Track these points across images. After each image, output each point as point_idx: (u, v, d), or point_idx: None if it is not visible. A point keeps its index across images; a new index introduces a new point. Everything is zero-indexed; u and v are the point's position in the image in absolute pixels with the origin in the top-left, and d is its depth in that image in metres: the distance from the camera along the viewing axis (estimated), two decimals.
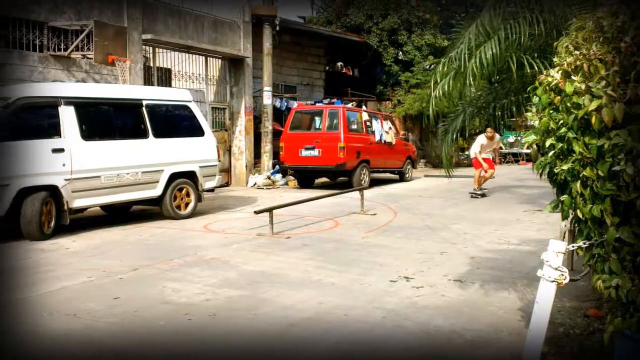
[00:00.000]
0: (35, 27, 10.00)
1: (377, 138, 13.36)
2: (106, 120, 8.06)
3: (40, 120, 7.25)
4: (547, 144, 2.92)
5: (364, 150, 12.68)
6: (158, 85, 12.37)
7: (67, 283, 4.77)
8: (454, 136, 5.33)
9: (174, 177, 8.34)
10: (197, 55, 13.53)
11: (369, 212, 8.67)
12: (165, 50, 12.99)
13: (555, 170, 2.93)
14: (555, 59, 3.06)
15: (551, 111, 2.91)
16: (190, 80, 13.51)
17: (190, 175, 8.63)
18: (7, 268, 5.40)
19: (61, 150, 7.06)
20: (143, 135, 8.14)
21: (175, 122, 8.93)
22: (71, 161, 7.12)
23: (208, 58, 13.79)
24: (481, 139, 11.17)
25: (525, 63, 4.02)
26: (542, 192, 10.61)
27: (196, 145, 8.86)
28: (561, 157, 2.88)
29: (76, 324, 3.76)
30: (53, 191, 6.90)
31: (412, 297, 4.36)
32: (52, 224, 6.88)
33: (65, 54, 10.31)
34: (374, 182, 13.14)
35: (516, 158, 22.21)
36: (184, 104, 9.02)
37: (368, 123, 13.23)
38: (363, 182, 12.21)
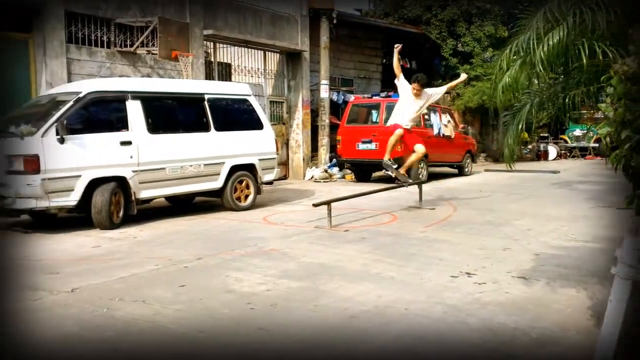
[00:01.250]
0: (103, 24, 10.43)
1: (436, 131, 13.15)
2: (170, 114, 8.34)
3: (109, 114, 7.57)
4: (623, 136, 2.78)
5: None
6: (218, 79, 12.65)
7: (136, 270, 4.98)
8: (518, 129, 5.16)
9: (234, 169, 8.52)
10: (256, 50, 13.73)
11: (428, 207, 8.56)
12: (225, 45, 13.25)
13: (631, 163, 2.79)
14: (630, 47, 2.91)
15: (627, 102, 2.77)
16: (249, 74, 13.73)
17: (250, 168, 8.80)
18: (80, 255, 5.69)
19: (129, 143, 7.35)
20: (205, 128, 8.36)
21: (235, 116, 9.11)
22: (138, 154, 7.40)
23: (266, 52, 13.97)
24: (405, 94, 8.21)
25: (598, 51, 3.84)
26: (609, 188, 10.14)
27: (255, 139, 9.01)
28: (637, 149, 2.75)
29: (145, 310, 3.92)
30: (121, 182, 7.21)
31: (474, 293, 4.27)
32: (121, 213, 7.19)
33: (131, 50, 10.69)
34: (432, 176, 12.95)
35: (583, 152, 21.30)
36: (243, 97, 9.18)
37: (426, 116, 13.03)
38: (421, 176, 12.05)
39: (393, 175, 8.22)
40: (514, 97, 5.05)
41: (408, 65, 20.63)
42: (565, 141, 22.03)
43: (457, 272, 4.86)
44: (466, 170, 14.53)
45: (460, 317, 3.76)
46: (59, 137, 6.68)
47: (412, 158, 8.10)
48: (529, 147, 20.12)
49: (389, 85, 18.10)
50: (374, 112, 13.28)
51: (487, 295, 4.22)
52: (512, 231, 6.70)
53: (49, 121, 6.78)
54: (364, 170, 13.26)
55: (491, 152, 19.57)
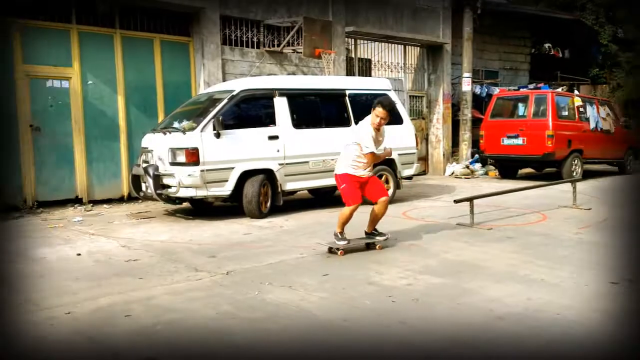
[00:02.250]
0: (254, 26, 11.07)
1: (592, 125, 12.08)
2: (313, 110, 8.63)
3: (258, 110, 8.04)
4: None
5: (576, 139, 11.57)
6: (359, 75, 12.82)
7: (283, 257, 5.25)
8: None
9: (374, 164, 8.57)
10: (396, 44, 13.67)
11: (582, 207, 7.90)
12: (365, 41, 13.38)
13: None
14: None
15: None
16: (389, 69, 13.73)
17: (389, 163, 8.80)
18: (233, 241, 6.13)
19: (276, 137, 7.75)
20: (346, 123, 8.52)
21: None
22: (284, 148, 7.78)
23: (406, 46, 13.86)
24: (365, 130, 5.52)
25: None
26: None
27: (395, 133, 8.96)
28: None
29: (292, 295, 4.11)
30: (269, 174, 7.63)
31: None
32: (268, 204, 7.62)
33: (278, 50, 11.23)
34: (588, 174, 11.91)
35: None
36: (383, 92, 9.18)
37: (581, 109, 12.01)
38: (575, 174, 11.17)
39: (340, 247, 5.48)
40: None
41: (560, 55, 19.19)
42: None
43: (617, 279, 4.43)
44: (628, 168, 13.17)
45: (622, 329, 3.43)
46: (215, 132, 7.25)
47: (378, 210, 5.68)
48: None
49: (537, 76, 17.01)
50: (520, 105, 12.53)
51: None
52: None
53: (207, 117, 7.37)
54: (509, 167, 12.60)
55: None
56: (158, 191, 7.22)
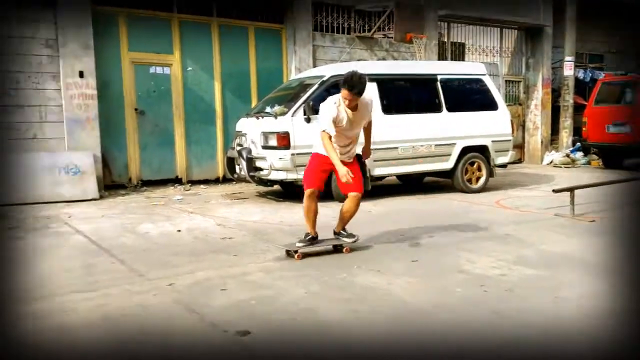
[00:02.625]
0: (344, 12, 11.07)
1: None
2: (403, 95, 8.52)
3: None
4: None
5: None
6: (451, 60, 12.47)
7: (371, 243, 5.26)
8: None
9: (465, 150, 8.36)
10: (492, 28, 13.13)
11: None
12: (459, 25, 12.95)
13: None
14: None
15: None
16: (484, 53, 13.23)
17: (482, 150, 8.52)
18: (323, 223, 6.22)
19: None
20: (437, 109, 8.34)
21: (468, 96, 8.89)
22: (373, 133, 7.71)
23: (503, 30, 13.27)
24: (325, 108, 4.75)
25: None
26: None
27: (489, 120, 8.67)
28: None
29: (380, 279, 4.12)
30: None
31: None
32: None
33: (368, 35, 11.17)
34: None
35: None
36: (477, 77, 8.90)
37: None
38: None
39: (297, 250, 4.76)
40: None
41: None
42: None
43: None
44: None
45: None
46: (306, 116, 7.36)
47: (347, 207, 4.89)
48: None
49: None
50: (628, 91, 11.64)
51: None
52: None
53: (297, 102, 7.50)
54: (614, 156, 11.77)
55: None
56: (251, 173, 7.47)
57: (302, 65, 10.55)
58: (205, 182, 9.84)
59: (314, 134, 7.33)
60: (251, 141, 7.67)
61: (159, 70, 9.56)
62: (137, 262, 4.63)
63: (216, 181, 10.00)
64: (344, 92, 4.52)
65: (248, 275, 4.23)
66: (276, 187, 8.34)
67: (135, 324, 3.29)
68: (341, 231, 5.03)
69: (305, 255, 4.74)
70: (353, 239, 4.98)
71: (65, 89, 8.41)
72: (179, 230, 5.88)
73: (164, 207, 7.36)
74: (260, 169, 7.45)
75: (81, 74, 8.50)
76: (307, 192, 4.71)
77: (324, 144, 4.63)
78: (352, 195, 4.80)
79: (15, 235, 5.72)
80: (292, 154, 7.27)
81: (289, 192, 8.33)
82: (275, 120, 7.47)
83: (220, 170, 10.08)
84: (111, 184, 8.98)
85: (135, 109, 9.28)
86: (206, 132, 10.02)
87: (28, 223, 6.36)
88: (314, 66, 10.44)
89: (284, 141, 7.29)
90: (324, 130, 4.64)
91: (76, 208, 7.33)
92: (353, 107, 4.64)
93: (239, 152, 7.69)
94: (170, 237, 5.59)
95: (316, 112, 7.51)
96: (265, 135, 7.47)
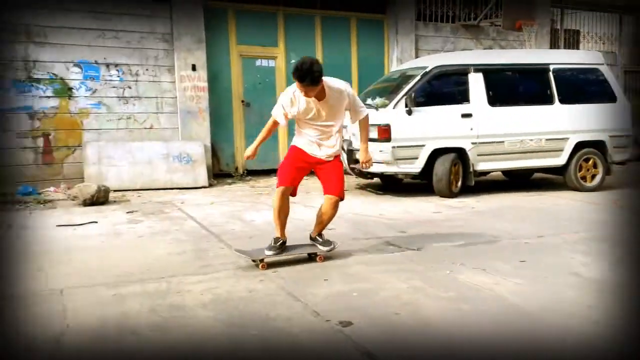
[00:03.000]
0: (449, 0, 10.76)
1: None
2: (511, 86, 8.15)
3: (451, 87, 7.84)
4: None
5: None
6: (565, 48, 11.73)
7: (474, 240, 5.11)
8: None
9: (579, 146, 7.86)
10: (610, 14, 12.16)
11: None
12: (573, 11, 12.14)
13: None
14: None
15: None
16: (601, 41, 12.32)
17: (599, 145, 7.96)
18: (422, 218, 6.14)
19: (469, 115, 7.50)
20: (548, 101, 7.90)
21: (583, 87, 8.33)
22: (478, 126, 7.49)
23: (622, 16, 12.24)
24: (283, 94, 4.31)
25: None
26: None
27: (606, 113, 8.07)
28: None
29: (485, 279, 3.99)
30: (460, 153, 7.44)
31: None
32: (459, 184, 7.46)
33: (474, 23, 10.79)
34: None
35: None
36: (593, 67, 8.31)
37: None
38: None
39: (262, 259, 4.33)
40: None
41: None
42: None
43: None
44: None
45: None
46: (407, 108, 7.28)
47: (325, 210, 4.44)
48: None
49: None
50: None
51: None
52: None
53: (399, 94, 7.43)
54: None
55: None
56: (351, 166, 7.51)
57: (404, 55, 10.42)
58: None
59: (416, 127, 7.32)
60: (352, 133, 7.71)
61: (264, 62, 9.87)
62: (245, 248, 4.84)
63: None
64: (297, 84, 4.00)
65: (348, 267, 4.28)
66: (376, 179, 8.32)
67: (242, 308, 3.45)
68: (317, 237, 4.53)
69: (272, 264, 4.27)
70: (329, 247, 4.47)
71: (179, 81, 8.94)
72: None
73: (268, 197, 7.61)
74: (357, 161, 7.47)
75: (194, 67, 8.99)
76: (277, 189, 4.24)
77: (326, 134, 4.24)
78: (329, 198, 4.31)
79: (135, 219, 6.19)
80: (393, 147, 7.23)
81: (389, 185, 8.30)
82: (376, 112, 7.44)
83: None
84: (219, 172, 9.45)
85: (242, 101, 9.66)
86: None
87: (146, 208, 6.86)
88: (416, 57, 10.28)
89: (385, 134, 7.26)
90: (274, 119, 4.31)
91: (188, 195, 7.80)
92: (320, 97, 4.09)
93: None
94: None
95: (418, 104, 7.44)
96: None
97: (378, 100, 7.67)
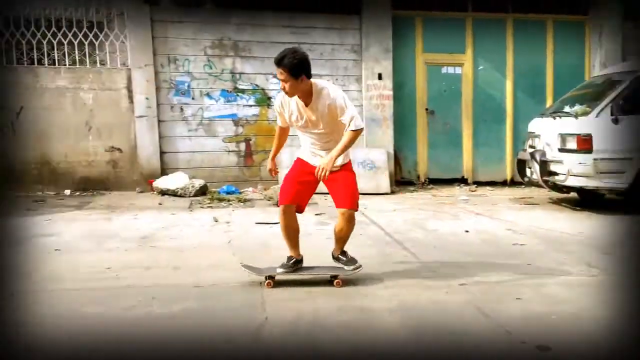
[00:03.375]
0: None
1: None
2: None
3: None
4: None
5: None
6: None
7: None
8: None
9: None
10: None
11: None
12: None
13: None
14: None
15: None
16: None
17: None
18: (633, 239, 5.47)
19: None
20: None
21: None
22: None
23: None
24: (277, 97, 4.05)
25: None
26: None
27: None
28: None
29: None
30: None
31: None
32: None
33: None
34: None
35: None
36: None
37: None
38: None
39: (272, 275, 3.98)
40: None
41: None
42: None
43: None
44: None
45: None
46: (613, 117, 6.57)
47: (339, 227, 3.96)
48: None
49: None
50: None
51: None
52: None
53: (603, 101, 6.75)
54: None
55: None
56: (544, 178, 7.00)
57: (608, 59, 9.43)
58: (491, 183, 9.63)
59: (624, 137, 6.54)
60: (546, 143, 7.19)
61: (450, 70, 9.70)
62: (428, 257, 4.79)
63: (503, 183, 9.71)
64: (277, 70, 3.68)
65: (545, 287, 3.97)
66: (572, 194, 7.64)
67: (427, 318, 3.40)
68: (339, 256, 4.13)
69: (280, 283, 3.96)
70: (354, 266, 4.04)
71: (366, 90, 9.21)
72: (467, 231, 5.87)
73: (451, 207, 7.45)
74: (556, 174, 6.92)
75: (379, 76, 9.19)
76: (280, 209, 3.91)
77: (323, 143, 3.93)
78: (340, 212, 3.90)
79: (323, 221, 6.51)
80: (595, 159, 6.57)
81: (589, 200, 7.55)
82: (575, 120, 6.85)
83: (508, 172, 9.74)
84: (400, 180, 9.51)
85: (426, 109, 9.61)
86: (495, 132, 9.79)
87: (332, 211, 7.15)
88: (623, 61, 9.22)
89: (586, 144, 6.63)
90: (280, 126, 4.20)
91: (370, 200, 7.97)
92: (307, 101, 3.73)
93: (532, 155, 7.28)
94: (458, 237, 5.63)
95: (626, 112, 6.65)
96: (563, 137, 6.91)
97: (578, 108, 7.06)
